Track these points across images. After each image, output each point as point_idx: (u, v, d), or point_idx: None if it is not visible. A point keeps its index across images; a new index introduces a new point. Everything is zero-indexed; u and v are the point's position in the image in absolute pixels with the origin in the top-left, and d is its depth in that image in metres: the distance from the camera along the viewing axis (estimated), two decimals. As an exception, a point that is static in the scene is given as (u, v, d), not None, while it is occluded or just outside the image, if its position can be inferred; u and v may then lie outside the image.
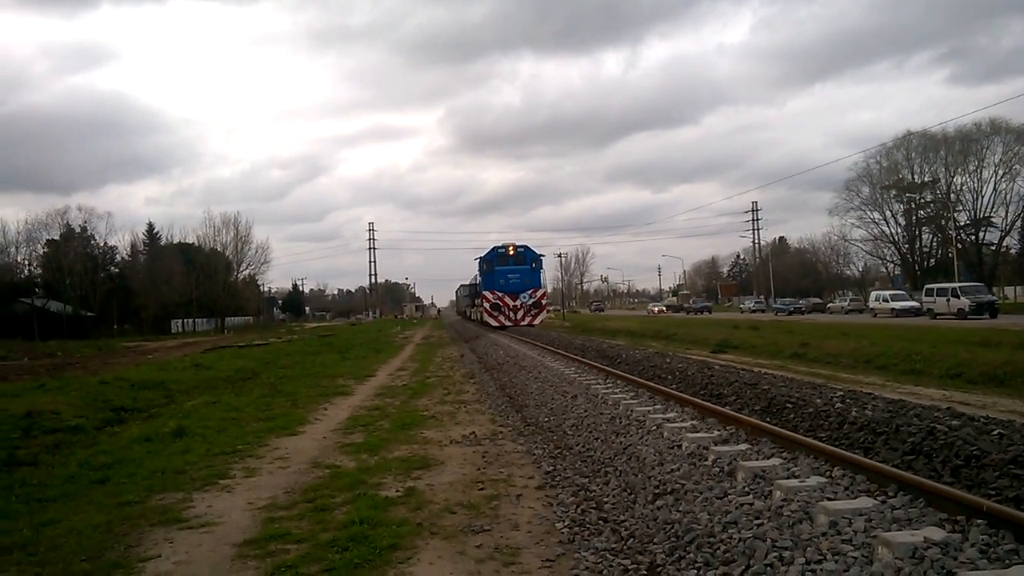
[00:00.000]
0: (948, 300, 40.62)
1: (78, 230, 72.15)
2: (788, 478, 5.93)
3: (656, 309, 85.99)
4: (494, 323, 41.62)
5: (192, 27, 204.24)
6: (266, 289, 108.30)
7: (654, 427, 8.67)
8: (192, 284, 73.85)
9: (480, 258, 44.83)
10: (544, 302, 44.49)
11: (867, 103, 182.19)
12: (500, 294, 41.82)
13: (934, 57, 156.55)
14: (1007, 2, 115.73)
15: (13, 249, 68.67)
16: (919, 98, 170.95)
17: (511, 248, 42.67)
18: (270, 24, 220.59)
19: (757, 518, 5.13)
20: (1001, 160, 63.67)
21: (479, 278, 46.80)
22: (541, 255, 44.09)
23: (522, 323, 41.16)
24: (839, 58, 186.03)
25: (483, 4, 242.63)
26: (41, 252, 70.68)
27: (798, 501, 5.27)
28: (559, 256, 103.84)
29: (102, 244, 74.77)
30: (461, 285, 72.82)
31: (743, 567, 4.54)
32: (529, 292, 41.99)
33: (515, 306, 41.70)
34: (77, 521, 6.50)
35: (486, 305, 42.68)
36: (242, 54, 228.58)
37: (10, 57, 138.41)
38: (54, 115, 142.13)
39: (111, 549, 5.76)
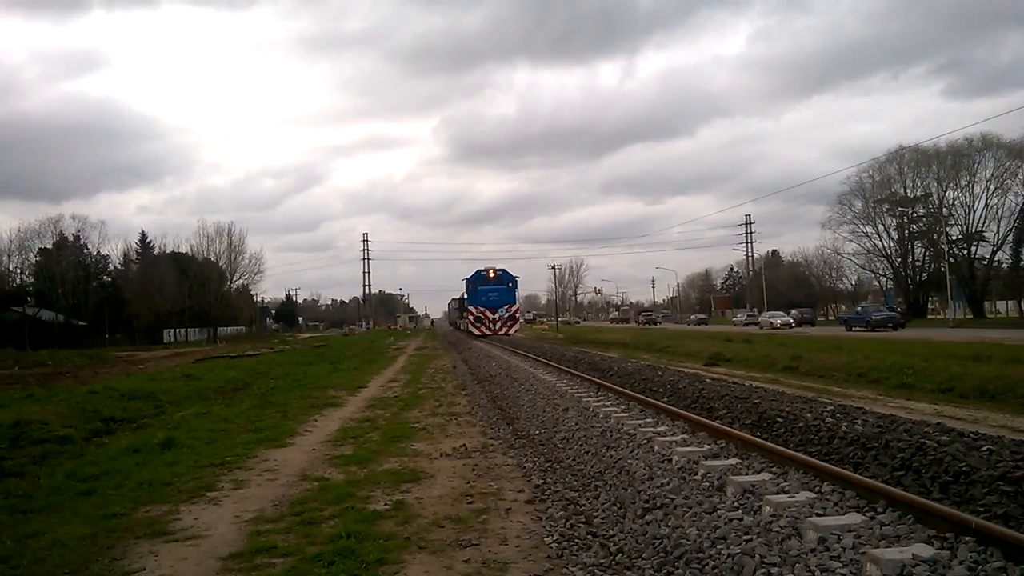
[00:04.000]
0: None
1: (71, 239, 71.92)
2: (778, 493, 5.92)
3: (779, 322, 56.60)
4: (477, 332, 50.30)
5: (185, 33, 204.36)
6: (259, 299, 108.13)
7: (644, 441, 8.66)
8: (185, 294, 73.51)
9: (466, 279, 55.00)
10: (518, 316, 54.55)
11: (863, 116, 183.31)
12: (483, 309, 51.40)
13: (931, 69, 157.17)
14: (1005, 14, 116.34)
15: (5, 257, 68.37)
16: (914, 111, 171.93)
17: (491, 271, 53.17)
18: (264, 31, 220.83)
19: (746, 534, 5.11)
20: (993, 175, 64.26)
21: (466, 295, 56.46)
22: (516, 276, 54.21)
23: (500, 332, 49.97)
24: (836, 70, 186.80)
25: (479, 13, 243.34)
26: (33, 261, 70.41)
27: (787, 517, 5.26)
28: (552, 268, 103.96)
29: (95, 253, 74.47)
30: (452, 299, 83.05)
31: (731, 583, 4.52)
32: (505, 307, 51.77)
33: (494, 319, 51.24)
34: (62, 533, 6.43)
35: (471, 318, 52.01)
36: (236, 61, 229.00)
37: (0, 63, 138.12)
38: (45, 122, 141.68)
39: (95, 562, 5.70)
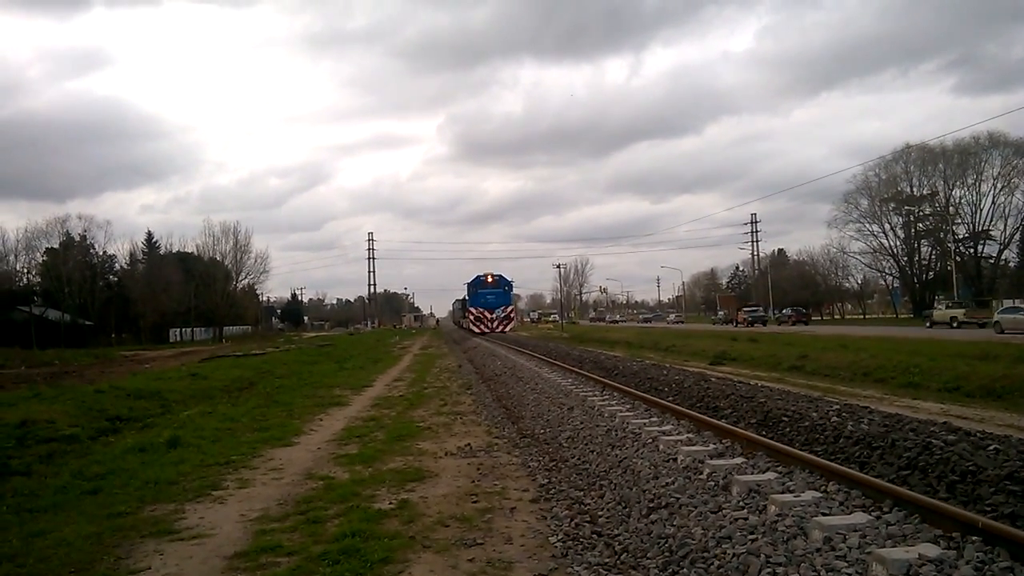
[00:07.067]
0: None
1: (77, 239, 72.11)
2: (783, 492, 5.90)
3: None
4: (477, 330, 57.71)
5: (188, 30, 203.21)
6: (265, 298, 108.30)
7: (650, 440, 8.63)
8: (191, 293, 73.71)
9: (468, 283, 63.06)
10: (512, 316, 62.91)
11: (873, 113, 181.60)
12: (482, 309, 59.12)
13: (941, 65, 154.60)
14: (1017, 10, 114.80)
15: (12, 257, 68.66)
16: (924, 108, 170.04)
17: (490, 276, 60.99)
18: (267, 28, 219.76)
19: (751, 533, 5.09)
20: (1000, 173, 64.15)
21: (467, 297, 63.95)
22: (512, 280, 62.92)
23: (496, 330, 57.23)
24: (845, 67, 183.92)
25: (485, 9, 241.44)
26: (40, 260, 70.64)
27: (793, 516, 5.24)
28: (558, 267, 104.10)
29: (101, 253, 74.57)
30: (456, 300, 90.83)
31: (736, 583, 4.50)
32: (502, 308, 59.73)
33: (492, 318, 58.70)
34: (68, 532, 6.46)
35: (471, 318, 59.76)
36: (239, 59, 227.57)
37: (4, 62, 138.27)
38: (50, 121, 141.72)
39: (100, 561, 5.72)
